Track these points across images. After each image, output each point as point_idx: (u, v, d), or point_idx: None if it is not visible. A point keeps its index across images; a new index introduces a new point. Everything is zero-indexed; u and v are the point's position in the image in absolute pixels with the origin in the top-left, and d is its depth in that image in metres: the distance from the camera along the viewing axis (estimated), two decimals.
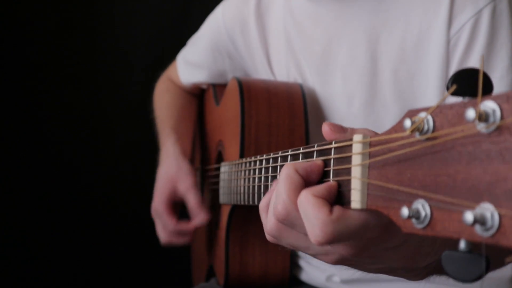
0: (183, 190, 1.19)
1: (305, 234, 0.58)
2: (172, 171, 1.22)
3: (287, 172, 0.58)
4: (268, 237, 0.64)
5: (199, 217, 1.17)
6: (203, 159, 1.38)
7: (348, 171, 0.54)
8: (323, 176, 0.60)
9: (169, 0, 1.98)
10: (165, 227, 1.22)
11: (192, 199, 1.18)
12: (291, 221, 0.58)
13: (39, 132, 1.91)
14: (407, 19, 0.94)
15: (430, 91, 0.94)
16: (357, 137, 0.54)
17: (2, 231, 1.86)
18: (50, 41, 1.91)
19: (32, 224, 1.90)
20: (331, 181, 0.58)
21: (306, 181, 0.58)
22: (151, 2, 1.98)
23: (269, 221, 0.62)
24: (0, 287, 1.88)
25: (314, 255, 0.62)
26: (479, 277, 0.42)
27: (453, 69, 0.92)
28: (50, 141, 1.92)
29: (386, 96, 0.97)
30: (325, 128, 0.60)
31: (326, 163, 0.60)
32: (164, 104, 1.38)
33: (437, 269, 0.67)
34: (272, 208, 0.60)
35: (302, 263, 1.13)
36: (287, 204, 0.57)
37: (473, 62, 0.90)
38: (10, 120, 1.88)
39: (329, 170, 0.58)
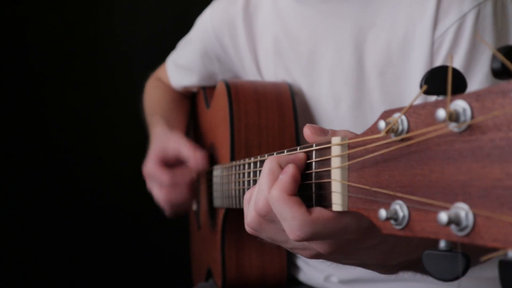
0: (173, 145, 1.14)
1: (284, 230, 0.58)
2: (161, 139, 1.18)
3: (269, 167, 0.58)
4: (247, 228, 0.65)
5: (196, 155, 1.10)
6: None
7: (328, 174, 0.54)
8: (306, 170, 0.60)
9: (169, 0, 1.99)
10: (161, 185, 1.15)
11: (184, 146, 1.12)
12: (271, 216, 0.58)
13: (39, 132, 1.91)
14: (393, 21, 0.94)
15: (416, 92, 0.93)
16: (335, 140, 0.53)
17: (2, 231, 1.87)
18: (50, 41, 1.92)
19: (32, 224, 1.91)
20: (313, 182, 0.58)
21: None
22: (151, 2, 1.99)
23: (249, 214, 0.62)
24: (0, 287, 1.89)
25: (292, 249, 0.64)
26: (457, 276, 0.42)
27: None
28: (50, 141, 1.92)
29: (373, 98, 0.96)
30: (306, 131, 0.60)
31: (308, 166, 0.60)
32: (153, 99, 1.37)
33: (408, 267, 0.69)
34: (253, 202, 0.60)
35: (300, 263, 1.12)
36: (268, 200, 0.57)
37: (456, 65, 0.89)
38: (10, 120, 1.89)
39: (311, 173, 0.58)
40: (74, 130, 1.95)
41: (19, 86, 1.90)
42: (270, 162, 0.58)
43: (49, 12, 1.90)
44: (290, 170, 0.56)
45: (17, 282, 1.91)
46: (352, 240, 0.56)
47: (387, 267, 0.66)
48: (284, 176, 0.56)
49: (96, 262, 1.97)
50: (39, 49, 1.91)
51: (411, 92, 0.94)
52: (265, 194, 0.57)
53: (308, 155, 0.59)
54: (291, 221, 0.53)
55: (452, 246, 0.44)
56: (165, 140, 1.17)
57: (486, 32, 0.88)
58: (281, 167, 0.58)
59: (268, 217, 0.59)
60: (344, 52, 0.98)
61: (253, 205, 0.61)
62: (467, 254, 0.42)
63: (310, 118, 1.04)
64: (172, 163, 1.16)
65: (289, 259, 1.10)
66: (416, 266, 0.69)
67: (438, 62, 0.91)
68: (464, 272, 0.43)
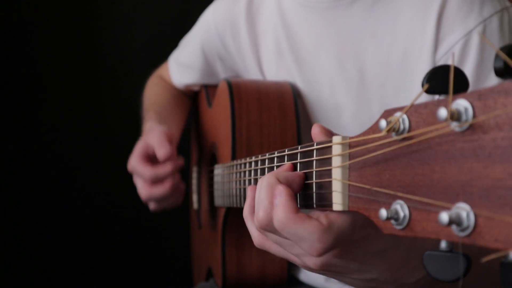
0: (150, 139, 1.13)
1: (290, 240, 0.58)
2: (146, 133, 1.17)
3: (268, 181, 0.58)
4: (255, 243, 0.66)
5: (160, 153, 1.09)
6: (199, 162, 1.37)
7: (329, 173, 0.54)
8: (307, 169, 0.60)
9: (169, 0, 1.98)
10: (143, 179, 1.13)
11: (154, 139, 1.11)
12: (273, 227, 0.57)
13: (38, 132, 1.91)
14: (394, 34, 0.93)
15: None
16: (336, 139, 0.53)
17: (2, 231, 1.87)
18: (50, 41, 1.91)
19: (32, 224, 1.91)
20: (314, 184, 0.57)
21: None
22: (151, 2, 1.98)
23: (252, 230, 0.64)
24: (0, 287, 1.89)
25: (299, 260, 0.61)
26: (458, 277, 0.42)
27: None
28: (49, 142, 1.92)
29: (373, 109, 0.95)
30: (316, 130, 0.59)
31: (309, 164, 0.59)
32: (151, 95, 1.36)
33: (426, 286, 0.65)
34: (255, 215, 0.60)
35: None
36: (268, 210, 0.56)
37: None
38: (10, 120, 1.89)
39: (312, 172, 0.58)
40: (74, 130, 1.94)
41: (19, 86, 1.90)
42: (269, 177, 0.58)
43: (49, 12, 1.90)
44: (284, 191, 0.56)
45: (17, 282, 1.91)
46: (360, 240, 0.55)
47: (404, 287, 0.63)
48: (282, 197, 0.55)
49: (96, 262, 1.97)
50: (39, 49, 1.91)
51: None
52: (265, 204, 0.57)
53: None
54: (310, 236, 0.53)
55: (453, 246, 0.43)
56: (148, 134, 1.16)
57: (493, 49, 0.86)
58: (279, 182, 0.58)
59: (269, 227, 0.58)
60: (345, 61, 0.97)
61: (254, 217, 0.60)
62: (468, 255, 0.42)
63: (311, 118, 1.04)
64: (156, 158, 1.14)
65: None
66: (436, 286, 0.67)
67: None
68: (465, 273, 0.43)
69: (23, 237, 1.91)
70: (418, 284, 0.64)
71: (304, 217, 0.54)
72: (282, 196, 0.55)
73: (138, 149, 1.14)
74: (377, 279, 0.61)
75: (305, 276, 1.12)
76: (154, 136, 1.12)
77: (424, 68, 0.90)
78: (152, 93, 1.37)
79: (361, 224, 0.55)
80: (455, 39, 0.87)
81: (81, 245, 1.96)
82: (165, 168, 1.10)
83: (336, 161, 0.53)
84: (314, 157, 0.58)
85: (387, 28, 0.93)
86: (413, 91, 0.91)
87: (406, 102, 0.90)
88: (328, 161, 0.55)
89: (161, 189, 1.11)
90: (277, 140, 1.01)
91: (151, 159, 1.13)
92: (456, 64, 0.87)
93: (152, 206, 1.17)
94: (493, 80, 0.86)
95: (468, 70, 0.87)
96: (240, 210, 0.97)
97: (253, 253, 1.06)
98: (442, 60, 0.88)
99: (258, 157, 0.78)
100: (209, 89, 1.30)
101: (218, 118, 1.13)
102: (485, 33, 0.86)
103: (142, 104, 1.37)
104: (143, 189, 1.13)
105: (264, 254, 1.07)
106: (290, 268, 1.10)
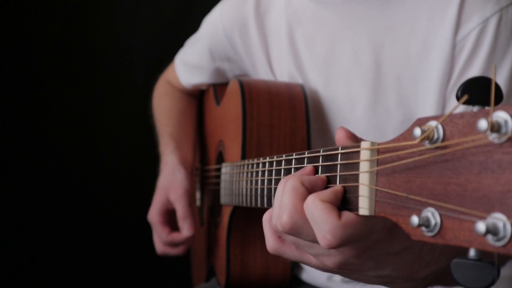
0: (173, 199, 1.20)
1: (310, 241, 0.58)
2: (167, 181, 1.23)
3: (292, 184, 0.58)
4: (269, 247, 0.67)
5: (183, 230, 1.18)
6: (203, 159, 1.38)
7: (355, 178, 0.55)
8: (330, 172, 0.60)
9: (169, 0, 1.98)
10: (159, 237, 1.23)
11: (180, 209, 1.19)
12: (296, 230, 0.58)
13: (38, 133, 1.90)
14: (413, 25, 0.95)
15: (431, 96, 0.94)
16: (365, 144, 0.54)
17: (2, 231, 1.86)
18: (50, 41, 1.90)
19: (32, 224, 1.90)
20: (338, 186, 0.58)
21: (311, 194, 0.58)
22: (151, 2, 1.98)
23: (268, 234, 0.65)
24: (0, 287, 1.88)
25: (317, 256, 0.62)
26: (490, 285, 0.43)
27: (455, 75, 0.93)
28: (49, 142, 1.91)
29: (389, 101, 0.97)
30: (341, 133, 0.60)
31: (332, 168, 0.60)
32: (163, 108, 1.38)
33: (435, 280, 0.67)
34: (275, 218, 0.60)
35: None
36: (292, 213, 0.57)
37: (475, 69, 0.90)
38: (10, 120, 1.87)
39: (336, 176, 0.59)
40: (74, 129, 1.93)
41: (19, 86, 1.89)
42: (293, 180, 0.59)
43: (49, 12, 1.89)
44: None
45: (17, 282, 1.90)
46: (377, 241, 0.56)
47: (415, 282, 0.64)
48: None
49: (96, 261, 1.96)
50: (39, 49, 1.90)
51: (427, 95, 0.94)
52: (290, 207, 0.57)
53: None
54: (322, 225, 0.53)
55: (481, 255, 0.44)
56: (170, 184, 1.21)
57: (507, 37, 0.89)
58: (304, 186, 0.58)
59: (292, 230, 0.58)
60: (361, 54, 0.98)
61: (275, 220, 0.60)
62: (498, 265, 0.43)
63: (323, 118, 1.05)
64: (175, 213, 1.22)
65: None
66: (442, 278, 0.68)
67: (457, 66, 0.92)
68: (493, 283, 0.43)
69: (23, 237, 1.90)
70: (428, 278, 0.66)
71: (327, 206, 0.54)
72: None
73: (159, 204, 1.21)
74: (391, 275, 0.63)
75: (308, 276, 1.12)
76: (178, 196, 1.19)
77: (443, 55, 0.92)
78: (162, 105, 1.39)
79: (380, 228, 0.56)
80: (473, 25, 0.90)
81: (81, 245, 1.95)
82: (183, 238, 1.18)
83: (364, 166, 0.53)
84: (339, 161, 0.58)
85: (405, 19, 0.95)
86: (431, 80, 0.93)
87: (425, 92, 0.93)
88: (354, 166, 0.55)
89: (175, 252, 1.22)
90: (287, 141, 1.02)
91: (170, 215, 1.22)
92: (470, 50, 0.90)
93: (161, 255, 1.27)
94: (504, 70, 0.90)
95: (481, 57, 0.90)
96: (247, 209, 0.98)
97: (257, 252, 1.07)
98: (460, 45, 0.91)
99: (273, 158, 0.78)
100: (217, 87, 1.30)
101: (227, 117, 1.13)
102: (500, 21, 0.89)
103: (153, 113, 1.40)
104: (159, 245, 1.23)
105: (268, 253, 1.07)
106: (293, 268, 1.11)
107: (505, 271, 0.86)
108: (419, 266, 0.63)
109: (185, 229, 1.17)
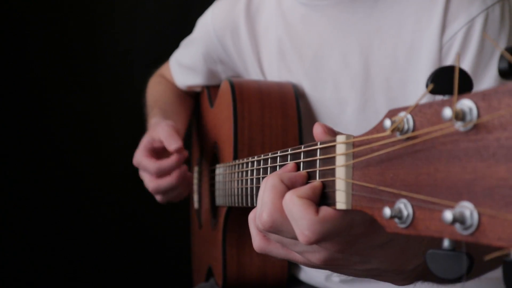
0: (156, 132, 1.13)
1: (292, 238, 0.58)
2: (152, 128, 1.17)
3: (272, 182, 0.58)
4: (255, 247, 0.66)
5: (170, 146, 1.08)
6: (200, 162, 1.38)
7: (333, 172, 0.54)
8: (310, 168, 0.60)
9: (169, 0, 1.99)
10: (148, 172, 1.13)
11: (163, 133, 1.10)
12: (277, 227, 0.58)
13: (38, 133, 1.92)
14: (400, 27, 0.94)
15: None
16: (340, 138, 0.54)
17: (2, 231, 1.87)
18: (50, 41, 1.92)
19: (32, 224, 1.91)
20: (316, 181, 0.58)
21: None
22: (151, 2, 1.99)
23: (254, 233, 0.64)
24: (0, 287, 1.89)
25: (301, 253, 0.61)
26: (461, 276, 0.42)
27: None
28: (49, 142, 1.93)
29: (378, 103, 0.97)
30: (318, 129, 0.60)
31: (312, 164, 0.60)
32: (155, 93, 1.35)
33: (424, 274, 0.66)
34: (257, 216, 0.60)
35: None
36: (272, 211, 0.57)
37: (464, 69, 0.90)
38: (10, 120, 1.89)
39: (315, 171, 0.58)
40: (74, 129, 1.95)
41: (19, 86, 1.90)
42: (272, 178, 0.59)
43: (49, 12, 1.90)
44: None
45: (17, 282, 1.91)
46: (359, 235, 0.56)
47: (404, 274, 0.64)
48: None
49: (96, 261, 1.97)
50: (39, 49, 1.91)
51: (417, 96, 0.94)
52: (269, 206, 0.57)
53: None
54: (300, 221, 0.53)
55: (456, 245, 0.44)
56: (154, 129, 1.15)
57: (494, 36, 0.89)
58: (283, 183, 0.58)
59: (273, 228, 0.58)
60: (350, 56, 0.98)
61: (257, 219, 0.60)
62: (471, 254, 0.43)
63: (314, 118, 1.04)
64: (161, 151, 1.14)
65: None
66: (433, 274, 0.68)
67: None
68: (468, 272, 0.43)
69: (23, 237, 1.91)
70: (416, 270, 0.65)
71: (304, 202, 0.54)
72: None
73: (144, 143, 1.13)
74: (379, 268, 0.62)
75: (306, 275, 1.12)
76: (162, 129, 1.12)
77: (431, 56, 0.91)
78: (155, 91, 1.37)
79: (360, 221, 0.56)
80: (459, 26, 0.89)
81: (81, 245, 1.96)
82: (171, 161, 1.10)
83: (340, 160, 0.53)
84: (318, 156, 0.58)
85: (392, 21, 0.95)
86: (420, 82, 0.93)
87: (414, 94, 0.92)
88: (331, 160, 0.55)
89: (168, 181, 1.11)
90: (279, 140, 1.02)
91: (156, 153, 1.13)
92: (458, 51, 0.89)
93: (159, 198, 1.17)
94: (493, 69, 0.89)
95: (469, 57, 0.89)
96: (241, 209, 0.98)
97: (253, 252, 1.07)
98: (446, 46, 0.90)
99: (260, 156, 0.78)
100: (211, 89, 1.30)
101: (220, 118, 1.13)
102: (487, 21, 0.88)
103: (145, 102, 1.37)
104: (150, 182, 1.13)
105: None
106: (291, 268, 1.10)
107: (493, 273, 0.86)
108: (406, 258, 0.63)
109: (172, 144, 1.08)
